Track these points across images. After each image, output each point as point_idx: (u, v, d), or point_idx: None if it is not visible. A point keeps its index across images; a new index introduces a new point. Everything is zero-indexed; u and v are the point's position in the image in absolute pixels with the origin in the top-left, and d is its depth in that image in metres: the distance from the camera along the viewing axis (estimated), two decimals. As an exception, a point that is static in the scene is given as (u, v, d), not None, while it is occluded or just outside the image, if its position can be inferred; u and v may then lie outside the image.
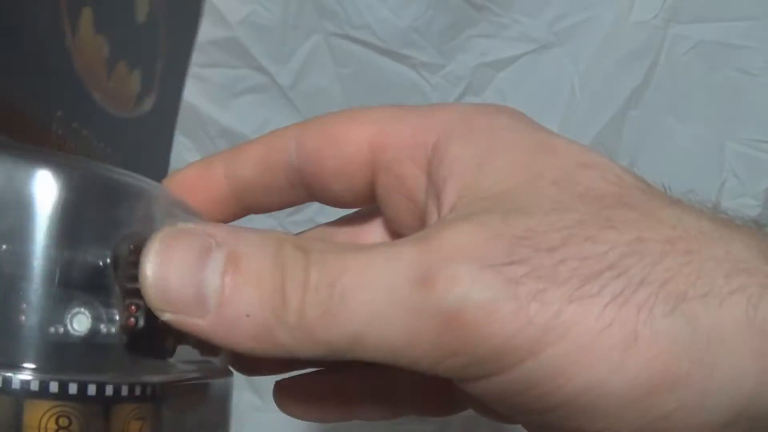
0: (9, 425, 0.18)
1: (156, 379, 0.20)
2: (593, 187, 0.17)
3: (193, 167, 0.23)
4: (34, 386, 0.18)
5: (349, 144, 0.21)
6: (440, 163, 0.19)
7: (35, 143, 0.20)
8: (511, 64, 0.44)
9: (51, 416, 0.18)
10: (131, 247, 0.18)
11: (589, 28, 0.43)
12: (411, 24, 0.42)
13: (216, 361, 0.23)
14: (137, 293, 0.18)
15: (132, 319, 0.18)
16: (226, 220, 0.23)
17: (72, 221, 0.18)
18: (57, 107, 0.20)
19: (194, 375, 0.21)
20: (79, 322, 0.18)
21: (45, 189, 0.18)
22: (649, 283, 0.15)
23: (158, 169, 0.27)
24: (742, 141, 0.42)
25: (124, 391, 0.19)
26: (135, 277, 0.18)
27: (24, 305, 0.18)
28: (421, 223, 0.21)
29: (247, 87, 0.44)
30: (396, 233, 0.23)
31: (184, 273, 0.17)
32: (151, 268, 0.17)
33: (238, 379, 0.24)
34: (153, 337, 0.19)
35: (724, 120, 0.42)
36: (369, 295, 0.16)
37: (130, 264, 0.18)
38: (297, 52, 0.43)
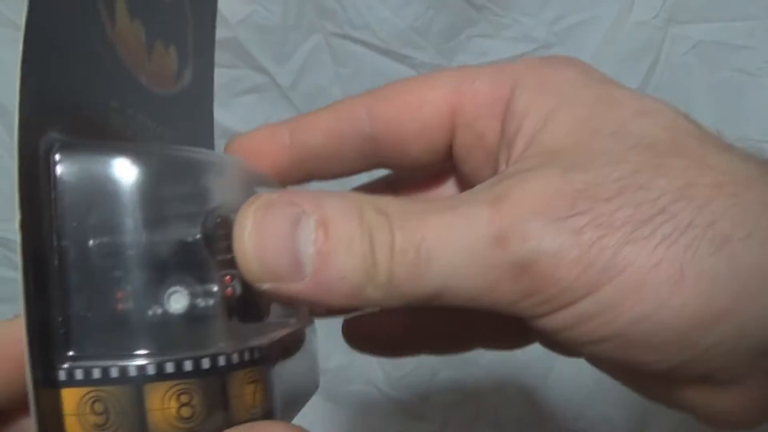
0: (133, 411, 0.18)
1: (260, 341, 0.20)
2: (647, 135, 0.18)
3: (258, 133, 0.24)
4: (151, 370, 0.18)
5: (427, 107, 0.22)
6: (512, 116, 0.21)
7: (98, 138, 0.20)
8: (511, 64, 0.44)
9: (172, 395, 0.19)
10: (218, 220, 0.19)
11: (589, 28, 0.43)
12: (411, 24, 0.42)
13: (299, 312, 0.24)
14: (229, 264, 0.19)
15: (229, 289, 0.19)
16: (286, 185, 0.24)
17: (156, 205, 0.19)
18: (110, 98, 0.21)
19: (288, 330, 0.22)
20: (177, 301, 0.19)
21: (126, 177, 0.19)
22: (696, 226, 0.17)
23: (206, 139, 0.28)
24: (742, 141, 0.41)
25: (235, 358, 0.19)
26: (225, 249, 0.19)
27: (123, 294, 0.19)
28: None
29: (247, 87, 0.44)
30: (469, 186, 0.24)
31: (278, 244, 0.18)
32: (249, 243, 0.18)
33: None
34: (250, 302, 0.20)
35: (724, 120, 0.42)
36: (451, 254, 0.18)
37: (220, 237, 0.19)
38: (297, 52, 0.43)
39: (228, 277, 0.19)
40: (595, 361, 0.21)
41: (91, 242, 0.19)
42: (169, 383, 0.19)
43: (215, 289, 0.19)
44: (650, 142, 0.18)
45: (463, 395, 0.49)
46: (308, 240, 0.18)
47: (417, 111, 0.22)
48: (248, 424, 0.19)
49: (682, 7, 0.41)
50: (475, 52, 0.44)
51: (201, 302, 0.19)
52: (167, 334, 0.19)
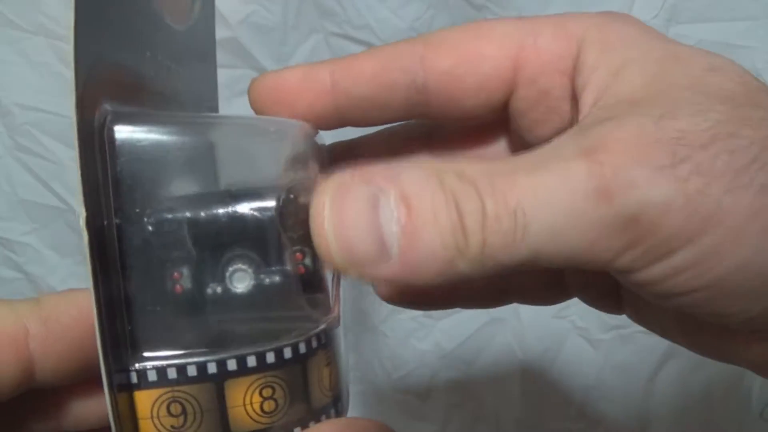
0: (213, 410, 0.17)
1: (325, 322, 0.19)
2: (723, 88, 0.18)
3: (295, 72, 0.23)
4: (232, 365, 0.17)
5: (488, 61, 0.21)
6: (579, 72, 0.20)
7: (137, 98, 0.19)
8: (511, 64, 0.44)
9: (255, 390, 0.18)
10: (291, 196, 0.18)
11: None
12: (411, 24, 0.42)
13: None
14: (300, 240, 0.18)
15: (301, 266, 0.18)
16: (322, 129, 0.23)
17: (217, 177, 0.18)
18: (146, 48, 0.19)
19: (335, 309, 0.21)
20: (241, 280, 0.18)
21: (188, 148, 0.18)
22: None
23: (211, 81, 0.26)
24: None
25: (314, 343, 0.18)
26: (296, 225, 0.18)
27: (191, 281, 0.17)
28: (560, 131, 0.21)
29: (247, 87, 0.44)
30: (522, 142, 0.23)
31: (360, 228, 0.17)
32: (330, 230, 0.17)
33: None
34: (320, 280, 0.19)
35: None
36: (549, 215, 0.17)
37: (290, 213, 0.18)
38: (297, 52, 0.43)
39: (299, 254, 0.18)
40: (674, 314, 0.21)
41: (153, 219, 0.17)
42: (251, 378, 0.17)
43: (288, 268, 0.18)
44: (727, 95, 0.18)
45: (463, 395, 0.49)
46: (391, 219, 0.17)
47: (476, 65, 0.22)
48: (341, 419, 0.19)
49: (682, 7, 0.41)
50: (475, 52, 0.44)
51: (272, 282, 0.18)
52: (244, 323, 0.18)
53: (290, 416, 0.18)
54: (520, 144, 0.24)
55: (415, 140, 0.25)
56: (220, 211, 0.18)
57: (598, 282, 0.25)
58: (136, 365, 0.17)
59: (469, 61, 0.22)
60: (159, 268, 0.17)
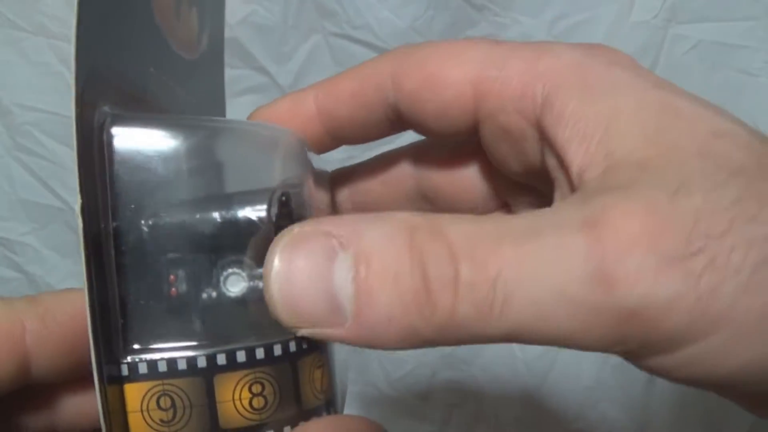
0: (202, 404, 0.17)
1: None
2: (732, 158, 0.16)
3: (282, 102, 0.23)
4: (222, 360, 0.17)
5: (449, 88, 0.20)
6: (558, 120, 0.18)
7: (138, 107, 0.19)
8: (511, 64, 0.44)
9: (244, 385, 0.18)
10: (283, 198, 0.18)
11: (589, 28, 0.43)
12: (411, 24, 0.42)
13: None
14: None
15: None
16: (320, 152, 0.23)
17: (213, 180, 0.18)
18: (150, 64, 0.20)
19: None
20: (234, 283, 0.18)
21: (184, 152, 0.18)
22: None
23: (219, 105, 0.27)
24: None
25: (305, 343, 0.18)
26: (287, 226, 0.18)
27: (188, 279, 0.18)
28: (530, 172, 0.20)
29: (247, 87, 0.44)
30: (498, 166, 0.22)
31: (311, 285, 0.15)
32: (275, 285, 0.16)
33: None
34: None
35: (724, 120, 0.42)
36: (535, 291, 0.15)
37: (283, 215, 0.18)
38: (297, 52, 0.43)
39: None
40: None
41: (149, 221, 0.17)
42: (240, 373, 0.17)
43: None
44: (738, 166, 0.16)
45: (463, 395, 0.49)
46: (346, 277, 0.15)
47: (437, 91, 0.20)
48: (329, 418, 0.18)
49: (682, 7, 0.41)
50: (475, 52, 0.44)
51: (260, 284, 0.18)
52: (235, 321, 0.18)
53: (280, 415, 0.18)
54: (497, 168, 0.23)
55: (405, 163, 0.25)
56: (216, 214, 0.18)
57: None
58: (128, 358, 0.17)
59: (431, 85, 0.21)
60: (153, 268, 0.18)
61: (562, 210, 0.16)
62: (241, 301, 0.18)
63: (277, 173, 0.19)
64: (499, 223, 0.16)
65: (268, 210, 0.18)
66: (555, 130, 0.18)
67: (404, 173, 0.24)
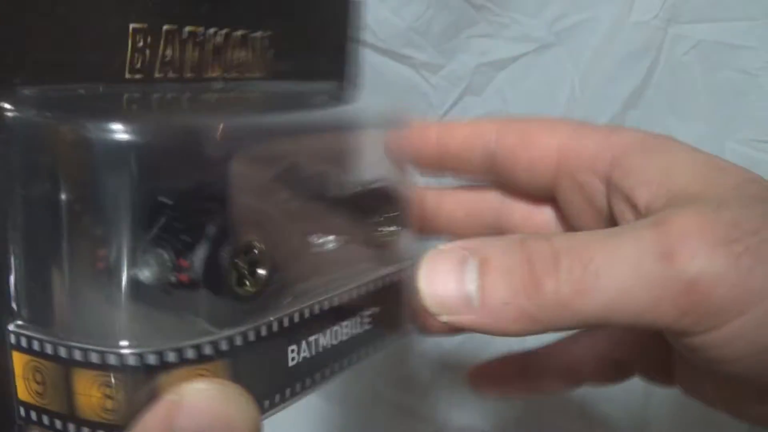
0: (63, 390, 0.18)
1: (222, 334, 0.20)
2: (761, 195, 0.22)
3: (414, 128, 0.29)
4: (78, 355, 0.18)
5: (540, 148, 0.27)
6: (626, 174, 0.24)
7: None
8: (511, 64, 0.44)
9: (95, 384, 0.18)
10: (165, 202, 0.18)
11: (589, 28, 0.43)
12: (411, 24, 0.42)
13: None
14: (188, 246, 0.18)
15: (184, 275, 0.19)
16: (423, 174, 0.29)
17: (143, 170, 0.18)
18: None
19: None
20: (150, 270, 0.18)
21: (108, 140, 0.18)
22: None
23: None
24: (742, 141, 0.42)
25: (171, 357, 0.18)
26: (184, 233, 0.18)
27: (70, 267, 0.18)
28: (599, 220, 0.26)
29: (247, 87, 0.44)
30: (568, 217, 0.28)
31: (449, 282, 0.21)
32: (423, 283, 0.21)
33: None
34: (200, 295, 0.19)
35: (724, 120, 0.42)
36: (618, 270, 0.20)
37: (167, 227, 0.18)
38: (297, 52, 0.43)
39: (184, 262, 0.19)
40: (724, 381, 0.24)
41: (38, 199, 0.18)
42: (93, 372, 0.18)
43: (151, 275, 0.19)
44: (764, 197, 0.21)
45: (463, 395, 0.49)
46: (472, 276, 0.20)
47: (532, 148, 0.27)
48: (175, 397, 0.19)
49: (682, 7, 0.41)
50: (475, 52, 0.44)
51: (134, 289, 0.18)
52: (100, 321, 0.18)
53: (131, 421, 0.18)
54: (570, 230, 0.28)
55: (492, 198, 0.30)
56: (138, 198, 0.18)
57: (655, 358, 0.29)
58: (12, 329, 0.19)
59: (527, 143, 0.27)
60: (48, 242, 0.18)
61: (636, 222, 0.22)
62: (112, 300, 0.18)
63: (190, 167, 0.19)
64: (588, 232, 0.21)
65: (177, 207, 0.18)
66: (624, 181, 0.24)
67: (489, 207, 0.30)
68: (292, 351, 0.23)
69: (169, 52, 0.21)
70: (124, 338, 0.18)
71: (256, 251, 0.21)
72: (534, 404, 0.48)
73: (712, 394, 0.26)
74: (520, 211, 0.30)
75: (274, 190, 0.23)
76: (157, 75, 0.21)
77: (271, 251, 0.21)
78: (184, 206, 0.19)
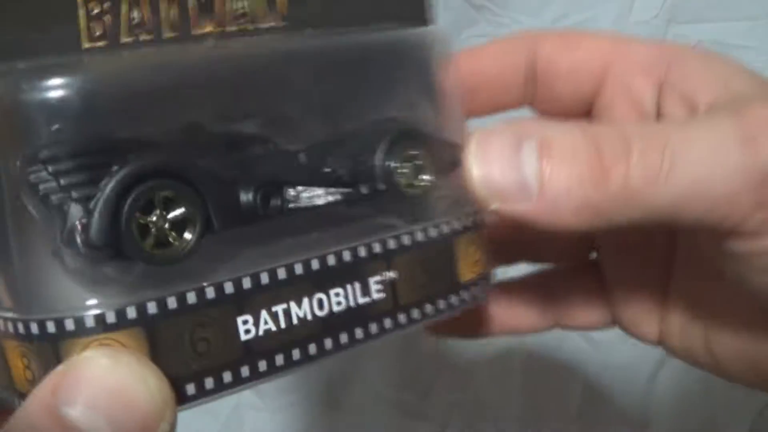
0: (2, 359, 0.18)
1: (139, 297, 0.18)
2: None
3: (485, 48, 0.27)
4: (9, 327, 0.18)
5: (583, 50, 0.24)
6: (686, 77, 0.22)
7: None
8: (511, 64, 0.44)
9: (18, 355, 0.18)
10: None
11: (589, 28, 0.43)
12: (411, 24, 0.42)
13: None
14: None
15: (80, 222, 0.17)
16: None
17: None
18: None
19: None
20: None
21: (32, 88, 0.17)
22: None
23: None
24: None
25: (90, 321, 0.17)
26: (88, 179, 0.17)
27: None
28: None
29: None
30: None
31: (503, 165, 0.18)
32: (475, 167, 0.19)
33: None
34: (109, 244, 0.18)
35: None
36: (696, 156, 0.18)
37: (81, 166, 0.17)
38: (297, 52, 0.43)
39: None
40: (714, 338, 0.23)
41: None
42: (15, 343, 0.18)
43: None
44: None
45: (463, 395, 0.49)
46: (531, 158, 0.18)
47: (574, 51, 0.24)
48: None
49: (682, 7, 0.41)
50: (475, 52, 0.44)
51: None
52: (15, 290, 0.18)
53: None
54: None
55: None
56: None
57: (645, 298, 0.26)
58: None
59: (568, 46, 0.25)
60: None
61: (709, 111, 0.20)
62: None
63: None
64: (660, 122, 0.20)
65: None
66: (684, 84, 0.22)
67: None
68: (245, 322, 0.19)
69: (136, 14, 0.19)
70: (31, 306, 0.17)
71: (181, 210, 0.18)
72: (534, 404, 0.48)
73: (710, 354, 0.25)
74: None
75: (212, 138, 0.20)
76: (126, 39, 0.19)
77: (203, 211, 0.19)
78: (86, 159, 0.17)
